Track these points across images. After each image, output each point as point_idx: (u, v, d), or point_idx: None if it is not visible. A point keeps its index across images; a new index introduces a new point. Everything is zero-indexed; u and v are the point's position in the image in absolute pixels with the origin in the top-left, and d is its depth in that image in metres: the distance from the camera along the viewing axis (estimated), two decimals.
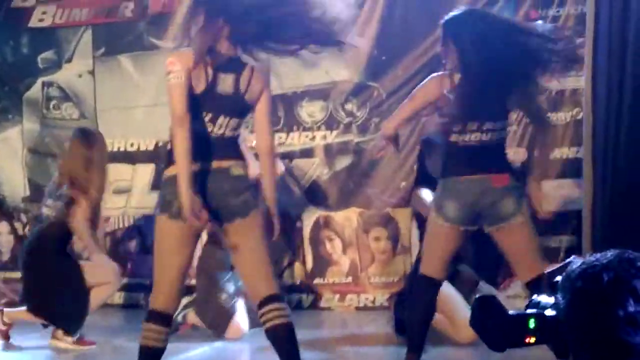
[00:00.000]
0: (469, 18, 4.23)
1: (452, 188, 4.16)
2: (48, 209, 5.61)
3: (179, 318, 5.90)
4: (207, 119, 3.64)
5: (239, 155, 3.79)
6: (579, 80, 5.85)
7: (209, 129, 3.65)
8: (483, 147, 4.14)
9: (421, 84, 4.29)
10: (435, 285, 4.29)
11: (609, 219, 5.43)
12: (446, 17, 4.28)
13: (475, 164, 4.13)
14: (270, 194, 3.82)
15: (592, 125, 5.51)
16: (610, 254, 1.60)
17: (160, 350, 3.71)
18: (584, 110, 5.69)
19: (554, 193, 6.04)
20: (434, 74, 4.26)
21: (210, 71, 3.60)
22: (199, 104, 3.60)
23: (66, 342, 5.62)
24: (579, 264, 1.61)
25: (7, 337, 5.75)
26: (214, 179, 3.67)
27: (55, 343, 5.64)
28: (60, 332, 5.62)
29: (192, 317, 5.92)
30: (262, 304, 3.73)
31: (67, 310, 5.59)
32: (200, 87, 3.60)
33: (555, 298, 1.67)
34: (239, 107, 3.70)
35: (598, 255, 1.61)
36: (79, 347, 5.60)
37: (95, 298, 5.58)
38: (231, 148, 3.75)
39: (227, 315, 5.74)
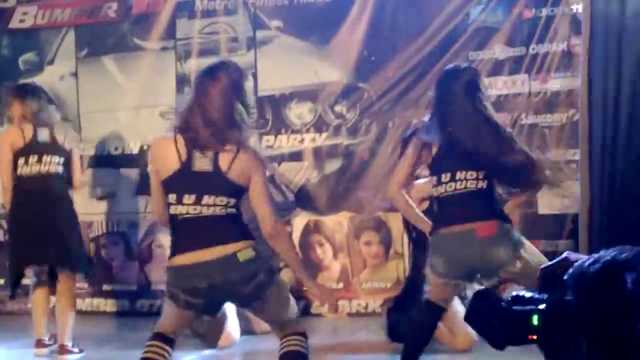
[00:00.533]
0: (450, 73, 4.26)
1: (439, 242, 4.14)
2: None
3: None
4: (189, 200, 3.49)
5: (244, 235, 3.57)
6: (574, 81, 5.83)
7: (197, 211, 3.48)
8: (461, 197, 4.08)
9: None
10: (440, 311, 4.29)
11: (606, 222, 5.37)
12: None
13: (456, 215, 4.08)
14: (301, 274, 3.79)
15: (588, 127, 5.45)
16: (625, 252, 1.57)
17: None
18: (579, 111, 5.63)
19: (550, 196, 6.02)
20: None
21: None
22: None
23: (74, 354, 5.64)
24: (590, 262, 1.59)
25: None
26: (220, 269, 3.50)
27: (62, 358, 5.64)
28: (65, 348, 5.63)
29: None
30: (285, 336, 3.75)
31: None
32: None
33: (551, 294, 1.67)
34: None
35: (607, 252, 1.59)
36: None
37: None
38: (231, 229, 3.57)
39: (219, 324, 5.68)
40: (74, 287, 5.76)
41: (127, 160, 7.17)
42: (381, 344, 5.39)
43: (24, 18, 7.45)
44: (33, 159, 5.61)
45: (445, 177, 4.09)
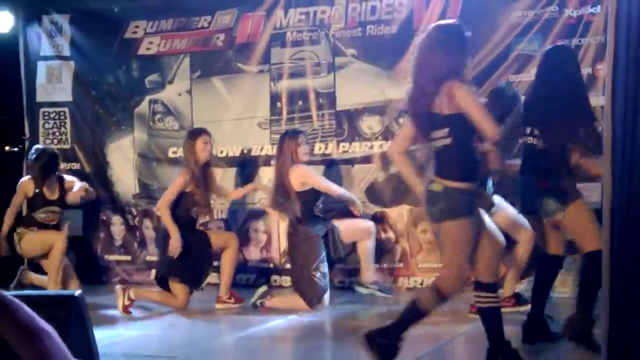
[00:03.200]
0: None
1: None
2: None
3: (258, 303, 5.92)
4: None
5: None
6: (598, 99, 5.64)
7: None
8: None
9: None
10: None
11: (627, 215, 5.26)
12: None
13: None
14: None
15: (611, 137, 5.33)
16: None
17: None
18: (604, 124, 5.50)
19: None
20: None
21: None
22: None
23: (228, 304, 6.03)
24: None
25: (128, 312, 5.80)
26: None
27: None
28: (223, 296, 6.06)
29: (270, 302, 5.91)
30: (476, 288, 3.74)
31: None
32: None
33: None
34: None
35: None
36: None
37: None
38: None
39: (320, 290, 5.75)
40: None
41: (230, 161, 7.17)
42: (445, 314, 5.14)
43: (149, 46, 7.46)
44: None
45: None
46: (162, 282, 6.08)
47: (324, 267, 5.80)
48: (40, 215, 6.33)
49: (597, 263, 3.73)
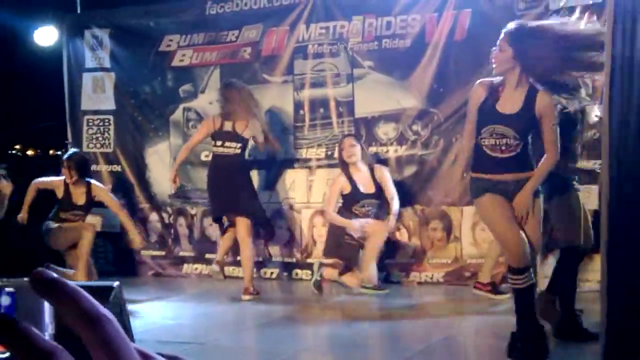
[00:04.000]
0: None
1: None
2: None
3: (318, 277, 6.07)
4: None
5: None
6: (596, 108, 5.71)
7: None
8: None
9: None
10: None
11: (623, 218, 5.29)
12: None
13: None
14: None
15: (608, 142, 5.37)
16: None
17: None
18: (602, 131, 5.54)
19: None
20: None
21: None
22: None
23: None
24: None
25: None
26: None
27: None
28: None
29: (328, 274, 6.06)
30: (511, 272, 3.83)
31: None
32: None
33: None
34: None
35: None
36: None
37: None
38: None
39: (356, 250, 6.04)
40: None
41: (257, 163, 7.12)
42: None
43: (182, 59, 7.51)
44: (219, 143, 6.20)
45: None
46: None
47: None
48: (66, 215, 6.31)
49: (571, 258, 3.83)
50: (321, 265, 6.17)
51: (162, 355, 0.49)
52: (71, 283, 0.46)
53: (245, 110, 6.13)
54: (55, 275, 0.46)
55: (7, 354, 0.46)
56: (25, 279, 0.46)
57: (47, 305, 0.48)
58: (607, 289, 3.36)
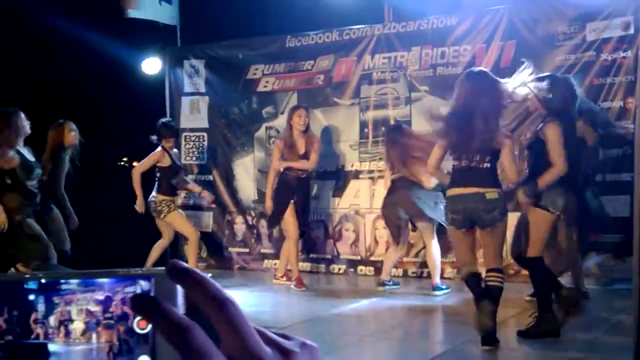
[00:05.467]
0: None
1: None
2: None
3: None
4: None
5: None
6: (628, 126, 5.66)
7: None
8: None
9: None
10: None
11: None
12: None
13: None
14: None
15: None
16: None
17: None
18: (635, 146, 5.52)
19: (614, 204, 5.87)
20: None
21: None
22: None
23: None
24: None
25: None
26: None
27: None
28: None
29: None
30: (488, 271, 3.96)
31: None
32: None
33: None
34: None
35: None
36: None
37: None
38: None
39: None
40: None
41: (327, 175, 7.24)
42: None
43: (266, 85, 7.68)
44: None
45: None
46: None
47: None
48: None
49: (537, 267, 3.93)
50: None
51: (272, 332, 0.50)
52: (198, 270, 0.47)
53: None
54: (187, 265, 0.47)
55: (148, 330, 0.48)
56: (162, 268, 0.48)
57: (179, 290, 0.48)
58: (639, 288, 3.36)
